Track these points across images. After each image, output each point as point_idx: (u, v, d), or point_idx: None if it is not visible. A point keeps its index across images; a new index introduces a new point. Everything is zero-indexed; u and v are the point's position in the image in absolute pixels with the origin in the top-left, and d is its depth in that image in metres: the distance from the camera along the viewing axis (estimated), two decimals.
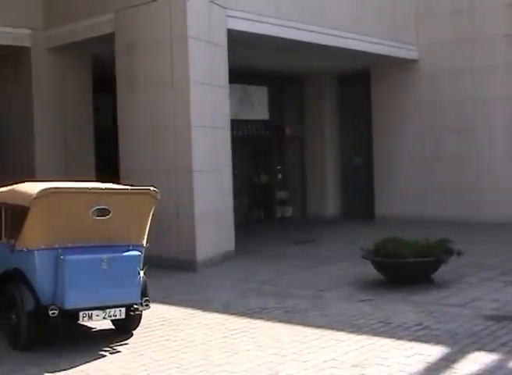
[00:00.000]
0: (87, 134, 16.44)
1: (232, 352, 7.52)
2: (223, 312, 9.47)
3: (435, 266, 10.84)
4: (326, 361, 7.06)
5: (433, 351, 7.24)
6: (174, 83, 13.45)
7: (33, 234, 7.72)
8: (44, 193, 7.60)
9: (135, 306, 8.01)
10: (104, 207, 7.97)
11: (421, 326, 8.31)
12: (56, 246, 7.62)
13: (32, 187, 8.05)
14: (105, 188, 8.31)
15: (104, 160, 16.42)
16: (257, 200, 22.33)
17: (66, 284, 7.48)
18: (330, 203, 22.43)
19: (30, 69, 15.57)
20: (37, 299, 7.63)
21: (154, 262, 13.25)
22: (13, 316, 7.79)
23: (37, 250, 7.64)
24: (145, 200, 8.29)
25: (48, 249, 7.62)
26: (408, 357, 7.11)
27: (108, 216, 7.99)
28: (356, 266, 12.30)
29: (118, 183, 14.18)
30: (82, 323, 8.00)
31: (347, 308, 9.48)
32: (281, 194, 22.93)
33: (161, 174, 13.62)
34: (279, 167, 23.07)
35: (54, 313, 7.47)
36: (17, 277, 7.83)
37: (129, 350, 7.80)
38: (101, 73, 15.98)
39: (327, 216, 21.99)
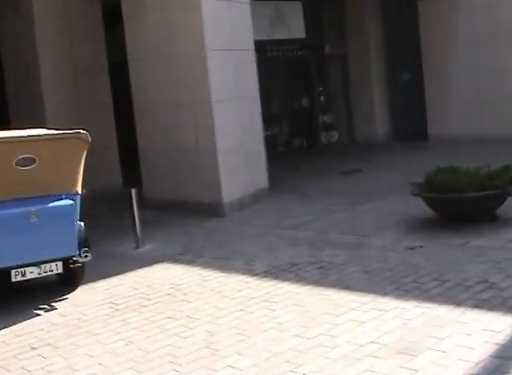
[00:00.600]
0: (99, 71, 14.77)
1: (244, 336, 5.91)
2: (244, 273, 7.88)
3: (501, 200, 9.02)
4: (363, 345, 5.41)
5: (504, 325, 5.54)
6: (185, 0, 11.65)
7: None
8: None
9: (73, 259, 7.55)
10: (28, 156, 7.27)
11: (487, 285, 6.56)
12: None
13: None
14: (27, 136, 7.56)
15: (122, 98, 14.76)
16: (299, 126, 20.54)
17: None
18: (378, 124, 20.39)
19: (30, 1, 13.85)
20: None
21: (176, 208, 12.18)
22: None
23: None
24: (74, 144, 7.62)
25: None
26: (471, 335, 5.42)
27: (33, 165, 7.31)
28: (407, 202, 10.49)
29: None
30: (15, 280, 7.27)
31: (393, 261, 7.77)
32: (325, 118, 21.03)
33: (177, 108, 11.98)
34: (320, 89, 21.06)
35: None
36: None
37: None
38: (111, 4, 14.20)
39: (376, 138, 20.01)
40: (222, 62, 11.77)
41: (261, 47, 14.74)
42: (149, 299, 7.21)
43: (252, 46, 12.69)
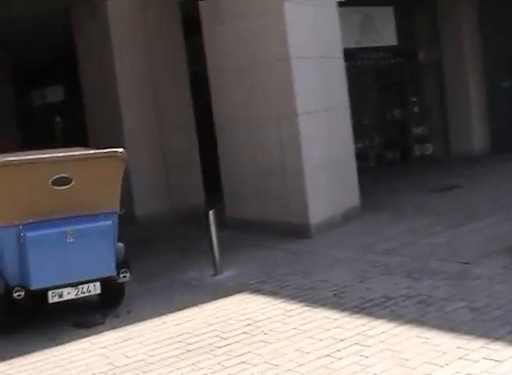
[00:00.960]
0: (181, 81, 14.15)
1: None
2: (332, 307, 6.95)
3: None
4: None
5: None
6: (265, 6, 10.84)
7: None
8: None
9: (112, 279, 7.42)
10: (64, 176, 7.26)
11: None
12: (16, 223, 7.02)
13: None
14: (62, 156, 7.56)
15: (204, 112, 14.08)
16: (391, 139, 19.42)
17: (30, 263, 6.94)
18: (476, 136, 19.01)
19: (106, 7, 13.36)
20: (3, 281, 7.06)
21: (260, 229, 11.37)
22: None
23: None
24: (111, 164, 7.60)
25: (7, 227, 7.05)
26: None
27: (69, 185, 7.30)
28: None
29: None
30: (52, 302, 7.15)
31: (504, 296, 6.70)
32: (418, 130, 19.83)
33: (260, 122, 11.19)
34: (414, 99, 19.90)
35: (19, 295, 6.95)
36: None
37: None
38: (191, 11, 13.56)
39: (473, 151, 18.68)
40: (309, 70, 10.91)
41: (350, 55, 13.79)
42: (224, 338, 6.37)
43: (341, 53, 11.80)
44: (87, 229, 7.28)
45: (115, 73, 13.45)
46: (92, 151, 7.88)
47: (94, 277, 7.29)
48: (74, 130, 18.52)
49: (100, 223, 7.37)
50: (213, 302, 7.62)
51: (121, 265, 7.53)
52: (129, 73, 13.54)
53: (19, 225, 7.03)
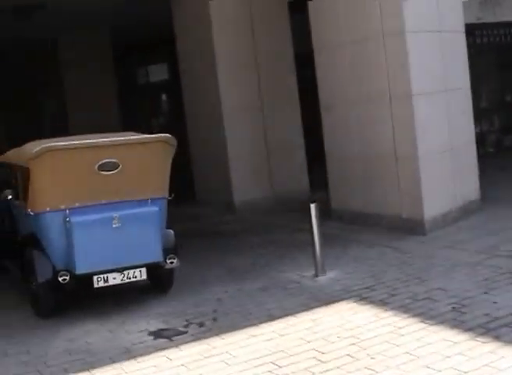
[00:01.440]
0: (284, 60, 13.19)
1: None
2: (452, 326, 5.81)
3: None
4: None
5: None
6: None
7: (37, 196, 7.18)
8: (40, 152, 6.98)
9: (159, 265, 7.34)
10: (112, 161, 7.16)
11: None
12: (63, 207, 7.02)
13: (32, 147, 7.41)
14: (109, 141, 7.39)
15: (309, 92, 13.05)
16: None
17: (76, 248, 6.92)
18: None
19: None
20: (51, 266, 7.10)
21: (368, 223, 10.30)
22: (33, 283, 7.34)
23: (43, 213, 7.08)
24: (159, 149, 7.45)
25: (54, 211, 7.03)
26: None
27: (116, 170, 7.20)
28: None
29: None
30: (98, 286, 7.09)
31: None
32: None
33: (369, 104, 10.08)
34: None
35: (64, 279, 6.96)
36: (33, 242, 7.36)
37: None
38: None
39: None
40: (425, 45, 9.70)
41: (469, 31, 12.46)
42: (323, 361, 5.36)
43: (462, 27, 10.53)
44: (133, 214, 7.18)
45: (213, 51, 12.61)
46: (140, 136, 7.83)
47: (139, 263, 7.20)
48: (175, 111, 17.98)
49: (147, 209, 7.28)
50: (312, 311, 6.62)
51: (169, 251, 7.43)
52: (229, 51, 12.69)
53: (65, 210, 7.02)
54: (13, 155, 8.34)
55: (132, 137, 7.78)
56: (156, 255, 7.24)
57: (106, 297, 7.66)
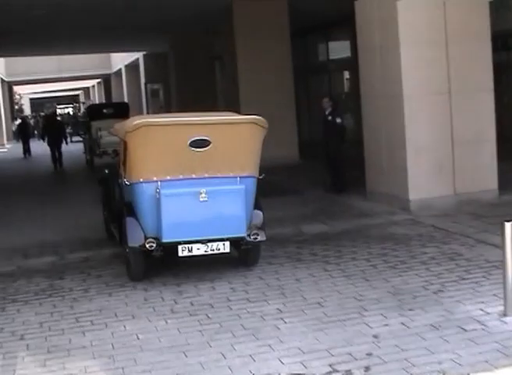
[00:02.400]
0: (481, 40, 11.23)
1: None
2: None
3: None
4: None
5: None
6: None
7: (132, 168, 7.66)
8: (136, 127, 7.45)
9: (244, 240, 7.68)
10: (203, 138, 7.53)
11: None
12: (155, 179, 7.49)
13: (130, 121, 7.92)
14: (202, 119, 7.91)
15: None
16: None
17: (163, 217, 7.35)
18: None
19: None
20: (142, 233, 7.55)
21: None
22: (125, 249, 7.87)
23: (137, 183, 7.57)
24: (251, 130, 7.71)
25: (146, 182, 7.52)
26: None
27: (207, 148, 7.56)
28: None
29: None
30: (182, 255, 7.57)
31: None
32: None
33: None
34: None
35: (151, 246, 7.43)
36: (128, 210, 7.82)
37: None
38: None
39: None
40: None
41: None
42: None
43: None
44: (220, 190, 7.52)
45: (397, 23, 10.86)
46: (232, 117, 8.24)
47: (223, 236, 7.55)
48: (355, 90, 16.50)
49: (233, 186, 7.60)
50: (500, 373, 4.92)
51: (254, 227, 7.77)
52: (415, 24, 10.92)
53: (157, 181, 7.47)
54: (118, 129, 8.62)
55: (223, 117, 8.28)
56: (239, 230, 7.56)
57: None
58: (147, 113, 27.80)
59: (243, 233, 7.60)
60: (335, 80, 23.63)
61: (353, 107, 20.22)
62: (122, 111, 22.02)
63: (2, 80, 45.12)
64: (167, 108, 28.30)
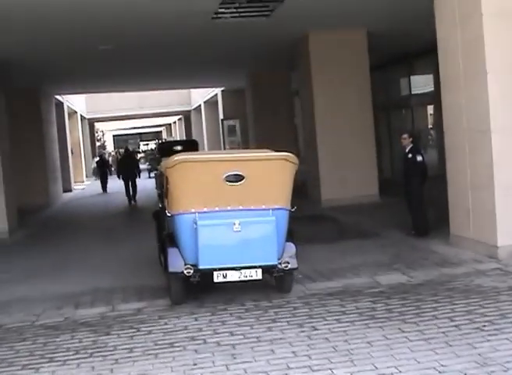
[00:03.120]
0: None
1: None
2: None
3: None
4: None
5: None
6: None
7: (172, 200, 8.41)
8: (175, 163, 8.26)
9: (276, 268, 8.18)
10: (237, 173, 8.17)
11: None
12: (192, 211, 8.11)
13: (171, 158, 8.49)
14: (236, 156, 8.81)
15: None
16: None
17: (200, 246, 7.94)
18: None
19: None
20: (182, 260, 8.16)
21: None
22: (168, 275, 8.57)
23: (177, 214, 8.24)
24: (281, 166, 8.33)
25: (185, 214, 8.15)
26: None
27: (241, 182, 8.19)
28: None
29: None
30: (217, 281, 8.10)
31: None
32: None
33: None
34: None
35: (189, 272, 8.06)
36: (170, 239, 8.61)
37: None
38: None
39: None
40: None
41: None
42: None
43: None
44: (252, 221, 8.09)
45: (484, 51, 9.86)
46: (263, 154, 8.88)
47: (255, 264, 8.06)
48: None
49: (265, 217, 8.15)
50: None
51: (285, 256, 8.27)
52: (503, 51, 9.89)
53: (194, 212, 8.10)
54: (163, 165, 9.21)
55: (256, 154, 9.14)
56: (271, 258, 8.08)
57: None
58: (224, 147, 27.49)
59: (274, 262, 8.14)
60: (417, 115, 22.54)
61: (437, 143, 19.16)
62: (191, 147, 22.99)
63: (83, 118, 45.60)
64: (244, 144, 27.72)
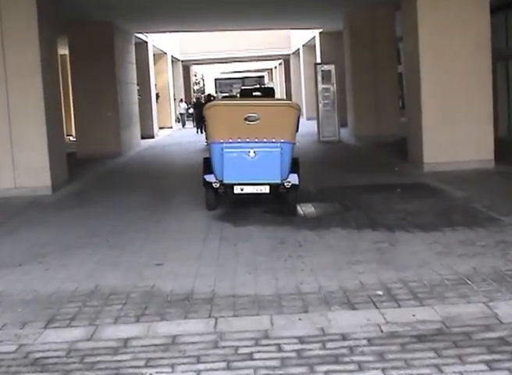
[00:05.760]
0: None
1: None
2: None
3: None
4: None
5: None
6: None
7: (208, 133, 11.31)
8: (209, 107, 11.33)
9: (278, 185, 10.64)
10: (253, 115, 10.73)
11: None
12: (221, 141, 10.76)
13: (208, 103, 12.57)
14: (253, 102, 12.32)
15: None
16: None
17: (225, 166, 10.64)
18: None
19: None
20: (214, 177, 10.84)
21: None
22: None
23: (211, 143, 10.98)
24: (286, 110, 11.00)
25: (216, 143, 10.84)
26: None
27: (257, 122, 10.74)
28: None
29: None
30: (236, 192, 10.68)
31: None
32: None
33: None
34: None
35: (216, 185, 10.79)
36: (206, 162, 11.33)
37: None
38: None
39: None
40: None
41: None
42: None
43: None
44: (263, 150, 10.66)
45: None
46: (274, 101, 14.02)
47: (264, 181, 10.66)
48: None
49: (273, 149, 10.66)
50: None
51: (288, 177, 10.70)
52: None
53: (222, 142, 10.75)
54: (204, 108, 11.74)
55: (268, 101, 13.33)
56: (276, 178, 10.60)
57: None
58: (317, 95, 24.54)
59: (278, 180, 10.55)
60: None
61: None
62: (268, 94, 24.46)
63: (175, 59, 43.29)
64: (339, 93, 24.54)
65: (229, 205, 11.59)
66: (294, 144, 10.88)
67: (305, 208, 11.33)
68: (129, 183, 16.03)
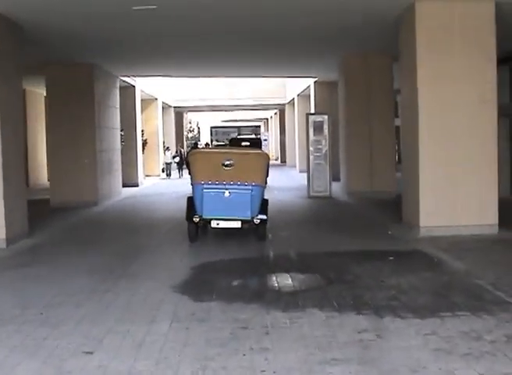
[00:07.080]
0: None
1: None
2: None
3: None
4: None
5: None
6: None
7: (192, 175, 13.21)
8: (192, 153, 13.98)
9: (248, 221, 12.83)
10: (230, 161, 12.81)
11: None
12: (202, 182, 12.82)
13: (191, 151, 15.69)
14: (230, 151, 13.97)
15: None
16: None
17: (204, 203, 12.69)
18: None
19: None
20: (195, 212, 12.78)
21: None
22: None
23: (193, 184, 13.00)
24: (257, 157, 13.42)
25: (198, 184, 12.87)
26: None
27: (232, 167, 12.79)
28: None
29: None
30: (213, 227, 12.83)
31: None
32: None
33: None
34: None
35: (196, 219, 12.72)
36: (189, 200, 13.22)
37: None
38: None
39: None
40: None
41: None
42: None
43: None
44: (237, 191, 12.73)
45: None
46: (247, 150, 16.99)
47: (237, 218, 12.73)
48: None
49: (245, 189, 12.77)
50: None
51: (256, 215, 12.82)
52: None
53: (203, 183, 12.79)
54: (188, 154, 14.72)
55: (242, 150, 16.03)
56: (246, 215, 12.71)
57: None
58: (308, 147, 23.23)
59: (248, 217, 12.77)
60: None
61: None
62: (255, 144, 27.17)
63: (166, 106, 42.17)
64: (332, 145, 23.19)
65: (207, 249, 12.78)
66: (264, 187, 13.17)
67: (281, 280, 9.71)
68: (95, 238, 14.51)
